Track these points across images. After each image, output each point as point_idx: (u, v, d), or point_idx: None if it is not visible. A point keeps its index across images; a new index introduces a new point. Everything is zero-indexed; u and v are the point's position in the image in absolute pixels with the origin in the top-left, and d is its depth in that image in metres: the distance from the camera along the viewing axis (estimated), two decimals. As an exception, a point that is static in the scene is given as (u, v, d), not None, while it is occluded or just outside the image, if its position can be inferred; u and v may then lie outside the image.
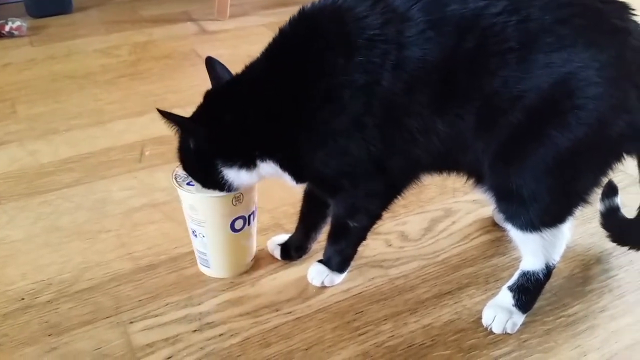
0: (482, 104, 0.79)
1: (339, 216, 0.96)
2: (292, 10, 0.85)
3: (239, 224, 0.97)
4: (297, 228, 1.05)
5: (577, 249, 1.06)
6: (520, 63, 0.76)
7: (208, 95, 0.91)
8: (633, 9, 0.80)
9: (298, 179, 0.91)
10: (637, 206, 0.96)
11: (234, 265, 1.02)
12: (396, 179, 0.90)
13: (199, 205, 0.94)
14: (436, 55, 0.78)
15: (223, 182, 0.90)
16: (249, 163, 0.88)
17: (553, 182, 0.82)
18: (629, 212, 1.01)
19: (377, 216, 0.95)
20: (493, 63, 0.77)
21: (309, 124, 0.84)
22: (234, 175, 0.89)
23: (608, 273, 1.02)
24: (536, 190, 0.82)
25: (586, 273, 1.02)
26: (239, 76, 0.89)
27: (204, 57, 0.94)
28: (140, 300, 0.97)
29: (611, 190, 1.03)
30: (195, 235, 0.98)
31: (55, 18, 2.31)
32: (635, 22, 0.80)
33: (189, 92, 1.59)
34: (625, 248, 1.04)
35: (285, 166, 0.88)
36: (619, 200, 1.03)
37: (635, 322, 0.92)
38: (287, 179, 0.91)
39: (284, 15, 0.86)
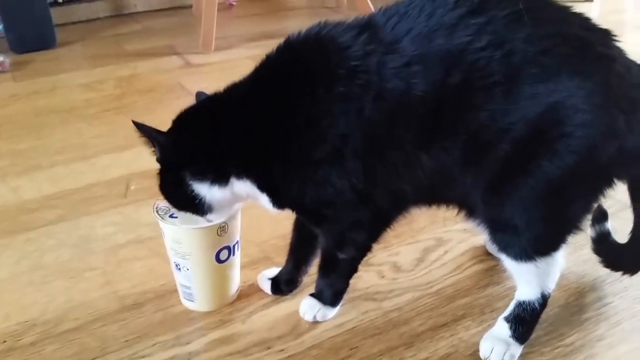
0: (469, 138, 0.79)
1: (327, 247, 0.94)
2: (278, 43, 0.85)
3: (224, 254, 0.95)
4: (287, 261, 1.03)
5: (571, 277, 1.05)
6: (506, 96, 0.76)
7: (183, 111, 0.89)
8: (615, 35, 0.81)
9: (276, 204, 0.88)
10: (629, 231, 0.96)
11: (219, 297, 0.99)
12: (382, 211, 0.89)
13: (183, 238, 0.92)
14: (422, 89, 0.77)
15: (195, 199, 0.87)
16: (220, 179, 0.86)
17: (545, 211, 0.81)
18: (620, 238, 1.00)
19: (365, 248, 0.94)
20: (479, 97, 0.77)
21: (286, 151, 0.83)
22: (206, 191, 0.87)
23: (603, 300, 1.01)
24: (529, 220, 0.82)
25: (581, 301, 1.01)
26: (217, 95, 0.88)
27: (190, 90, 0.94)
28: (126, 341, 0.94)
29: (601, 216, 1.02)
30: (179, 269, 0.96)
31: (38, 53, 2.30)
32: (618, 48, 0.80)
33: (175, 125, 1.57)
34: (619, 274, 1.03)
35: (263, 188, 0.87)
36: (610, 225, 1.02)
37: (633, 350, 0.91)
38: (264, 201, 0.89)
39: (269, 48, 0.86)
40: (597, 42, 0.79)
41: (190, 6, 2.87)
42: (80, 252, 1.15)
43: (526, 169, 0.79)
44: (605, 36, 0.81)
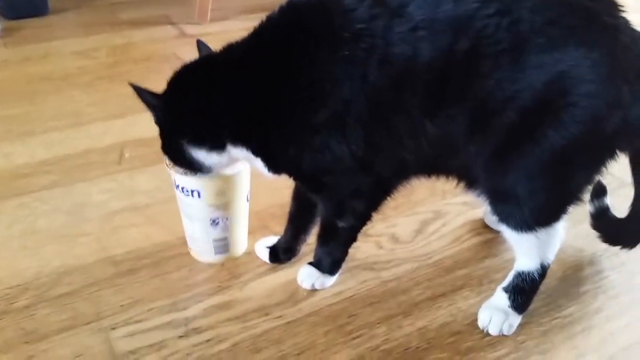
0: (475, 105, 0.78)
1: (327, 216, 0.93)
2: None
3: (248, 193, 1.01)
4: (286, 230, 1.02)
5: (569, 251, 1.04)
6: (513, 64, 0.75)
7: (179, 70, 0.88)
8: (622, 6, 0.79)
9: (272, 168, 0.87)
10: (628, 206, 0.96)
11: (247, 235, 1.05)
12: (383, 180, 0.88)
13: (229, 186, 0.95)
14: (428, 54, 0.76)
15: (195, 162, 0.87)
16: (216, 146, 0.85)
17: (548, 180, 0.81)
18: (618, 214, 1.00)
19: (365, 217, 0.93)
20: (487, 65, 0.75)
21: (284, 114, 0.82)
22: (204, 156, 0.87)
23: (601, 274, 1.01)
24: (531, 189, 0.81)
25: (579, 274, 1.01)
26: (214, 55, 0.87)
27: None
28: (122, 306, 0.93)
29: (600, 191, 1.02)
30: (216, 224, 0.97)
31: (30, 20, 2.24)
32: (624, 18, 0.79)
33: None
34: (617, 249, 1.03)
35: (257, 153, 0.86)
36: (608, 200, 1.02)
37: (630, 323, 0.91)
38: (259, 165, 0.88)
39: None
40: (603, 12, 0.78)
41: (186, -24, 2.82)
42: (74, 218, 1.14)
43: (531, 137, 0.78)
44: (611, 6, 0.79)
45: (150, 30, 2.18)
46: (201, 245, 1.01)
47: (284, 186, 1.17)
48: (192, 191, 0.94)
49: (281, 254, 1.01)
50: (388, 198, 0.92)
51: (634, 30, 0.79)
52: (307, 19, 0.81)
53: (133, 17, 2.31)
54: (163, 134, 0.90)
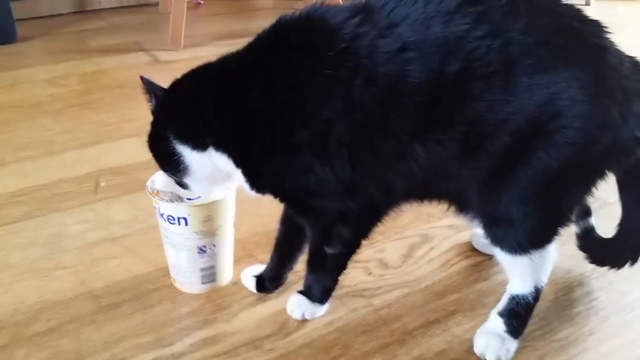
0: (467, 129, 0.77)
1: (314, 241, 0.91)
2: (246, 42, 0.84)
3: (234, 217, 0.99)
4: (272, 257, 0.99)
5: (558, 272, 1.04)
6: (504, 86, 0.75)
7: (184, 74, 0.89)
8: (607, 27, 0.81)
9: (253, 185, 0.86)
10: (614, 226, 0.95)
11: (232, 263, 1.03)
12: (371, 205, 0.86)
13: (217, 211, 0.93)
14: (417, 76, 0.75)
15: (178, 161, 0.86)
16: (199, 145, 0.85)
17: (542, 202, 0.81)
18: (601, 234, 1.01)
19: (353, 243, 0.91)
20: (477, 87, 0.75)
21: (266, 131, 0.81)
22: (188, 154, 0.85)
23: (591, 295, 1.00)
24: (526, 212, 0.81)
25: (570, 296, 1.00)
26: (210, 64, 0.87)
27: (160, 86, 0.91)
28: (105, 343, 0.89)
29: (585, 212, 1.02)
30: (204, 251, 0.95)
31: (-3, 48, 2.20)
32: (610, 39, 0.80)
33: (146, 121, 1.48)
34: (604, 269, 1.03)
35: (238, 164, 0.85)
36: (593, 221, 1.02)
37: (624, 344, 0.90)
38: (242, 182, 0.86)
39: (239, 46, 0.85)
40: (590, 33, 0.79)
41: (157, 4, 2.80)
42: (50, 251, 1.09)
43: (525, 161, 0.78)
44: (598, 27, 0.80)
45: (121, 57, 2.15)
46: (187, 276, 0.97)
47: (267, 213, 1.15)
48: (179, 218, 0.91)
49: (267, 282, 0.98)
50: (377, 224, 0.90)
51: (619, 51, 0.80)
52: (293, 36, 0.81)
53: (103, 45, 2.29)
54: (154, 124, 0.90)
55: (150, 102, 0.89)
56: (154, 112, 0.90)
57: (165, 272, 1.02)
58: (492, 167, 0.79)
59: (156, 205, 0.93)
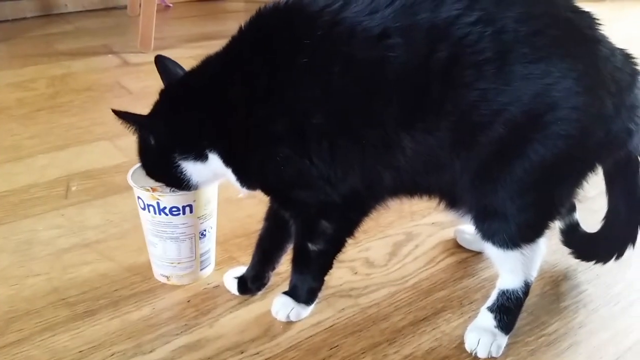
0: (459, 118, 0.75)
1: (297, 236, 0.89)
2: (218, 44, 0.83)
3: None
4: (254, 255, 0.96)
5: (545, 267, 1.03)
6: (498, 74, 0.73)
7: (163, 90, 0.87)
8: (599, 19, 0.80)
9: (243, 181, 0.85)
10: (598, 220, 0.95)
11: None
12: (355, 199, 0.84)
13: (213, 194, 0.95)
14: (402, 63, 0.73)
15: (182, 176, 0.85)
16: (200, 154, 0.83)
17: (536, 195, 0.79)
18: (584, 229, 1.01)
19: (337, 240, 0.88)
20: (469, 74, 0.73)
21: (248, 123, 0.80)
22: (192, 168, 0.85)
23: (578, 288, 1.00)
24: (520, 205, 0.79)
25: (557, 290, 1.00)
26: (193, 70, 0.86)
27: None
28: (81, 352, 0.84)
29: (569, 207, 1.01)
30: (205, 236, 0.96)
31: (-42, 52, 2.12)
32: (601, 31, 0.79)
33: (116, 124, 1.45)
34: (589, 262, 1.02)
35: (227, 163, 0.83)
36: (577, 216, 1.02)
37: (614, 336, 0.90)
38: (232, 179, 0.85)
39: (210, 48, 0.84)
40: (583, 24, 0.78)
41: (124, 7, 2.74)
42: (21, 258, 1.04)
43: (521, 153, 0.76)
44: (590, 19, 0.79)
45: (90, 60, 2.09)
46: (187, 266, 0.97)
47: (247, 214, 1.13)
48: (184, 207, 0.91)
49: (250, 282, 0.95)
50: (361, 222, 0.88)
51: (610, 43, 0.79)
52: (270, 27, 0.80)
53: (71, 48, 2.22)
54: (151, 152, 0.87)
55: (138, 134, 0.86)
56: (146, 142, 0.86)
57: (142, 277, 0.99)
58: (486, 159, 0.77)
59: (154, 202, 0.90)
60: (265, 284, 0.96)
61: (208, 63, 0.84)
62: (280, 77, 0.77)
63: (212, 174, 0.86)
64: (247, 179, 0.85)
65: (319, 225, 0.85)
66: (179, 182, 0.86)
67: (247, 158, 0.82)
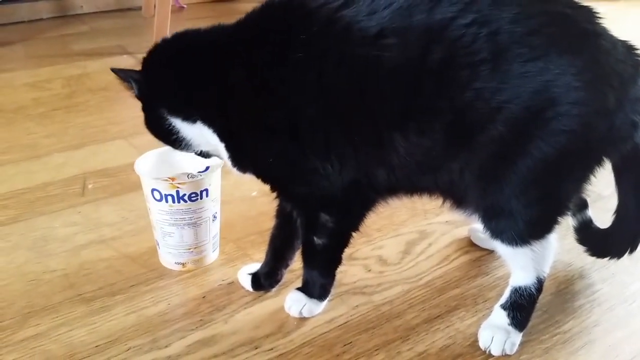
0: (454, 119, 0.75)
1: (302, 228, 0.89)
2: None
3: None
4: (267, 252, 0.97)
5: (559, 266, 1.03)
6: (494, 74, 0.73)
7: (157, 46, 0.87)
8: (599, 13, 0.79)
9: (236, 162, 0.85)
10: (610, 216, 0.94)
11: None
12: (354, 195, 0.84)
13: (220, 173, 0.98)
14: (396, 63, 0.74)
15: (174, 133, 0.85)
16: (190, 118, 0.84)
17: (541, 191, 0.79)
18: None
19: (340, 234, 0.88)
20: (464, 75, 0.73)
21: (244, 112, 0.81)
22: (184, 127, 0.84)
23: (593, 287, 0.99)
24: (525, 202, 0.79)
25: (572, 288, 0.99)
26: (195, 33, 0.86)
27: None
28: (97, 346, 0.85)
29: (581, 204, 1.01)
30: (215, 217, 1.00)
31: (-25, 53, 2.15)
32: (602, 24, 0.79)
33: (131, 123, 1.48)
34: (604, 261, 1.02)
35: (222, 138, 0.84)
36: (590, 213, 1.01)
37: (630, 335, 0.89)
38: (224, 154, 0.85)
39: None
40: (582, 19, 0.78)
41: (139, 8, 2.77)
42: (38, 254, 1.05)
43: (522, 150, 0.76)
44: (589, 13, 0.79)
45: (105, 60, 2.11)
46: (203, 249, 1.01)
47: (260, 212, 1.13)
48: (201, 192, 0.95)
49: (263, 279, 0.96)
50: (363, 217, 0.88)
51: (612, 36, 0.79)
52: (274, 19, 0.81)
53: (86, 48, 2.25)
54: (145, 106, 0.87)
55: (132, 88, 0.86)
56: (139, 96, 0.87)
57: (158, 273, 1.00)
58: (488, 158, 0.77)
59: (174, 191, 0.93)
60: (279, 281, 0.97)
61: (214, 34, 0.84)
62: (278, 71, 0.78)
63: (204, 140, 0.86)
64: (240, 161, 0.85)
65: (319, 219, 0.86)
66: (176, 141, 0.86)
67: (243, 143, 0.83)
